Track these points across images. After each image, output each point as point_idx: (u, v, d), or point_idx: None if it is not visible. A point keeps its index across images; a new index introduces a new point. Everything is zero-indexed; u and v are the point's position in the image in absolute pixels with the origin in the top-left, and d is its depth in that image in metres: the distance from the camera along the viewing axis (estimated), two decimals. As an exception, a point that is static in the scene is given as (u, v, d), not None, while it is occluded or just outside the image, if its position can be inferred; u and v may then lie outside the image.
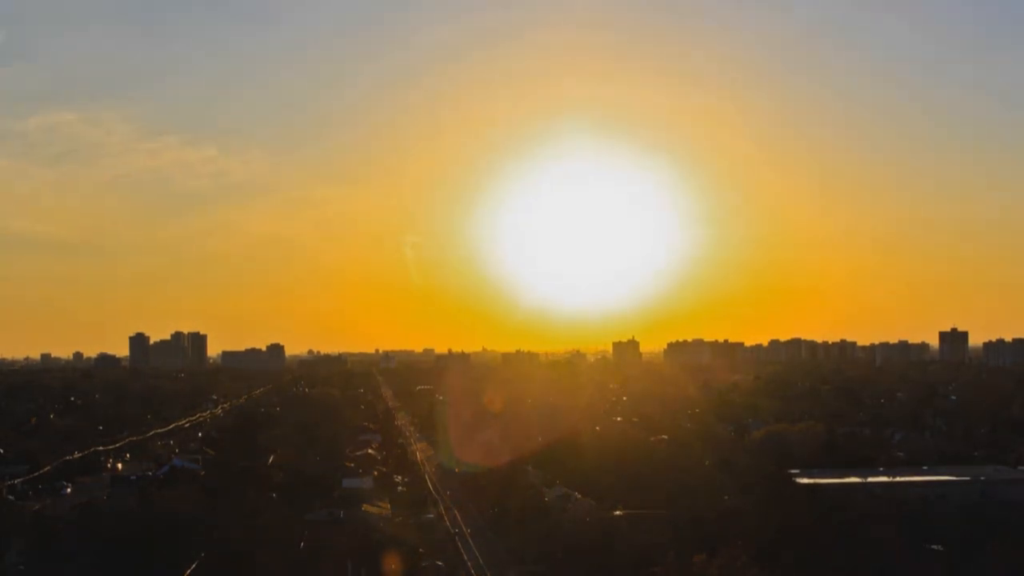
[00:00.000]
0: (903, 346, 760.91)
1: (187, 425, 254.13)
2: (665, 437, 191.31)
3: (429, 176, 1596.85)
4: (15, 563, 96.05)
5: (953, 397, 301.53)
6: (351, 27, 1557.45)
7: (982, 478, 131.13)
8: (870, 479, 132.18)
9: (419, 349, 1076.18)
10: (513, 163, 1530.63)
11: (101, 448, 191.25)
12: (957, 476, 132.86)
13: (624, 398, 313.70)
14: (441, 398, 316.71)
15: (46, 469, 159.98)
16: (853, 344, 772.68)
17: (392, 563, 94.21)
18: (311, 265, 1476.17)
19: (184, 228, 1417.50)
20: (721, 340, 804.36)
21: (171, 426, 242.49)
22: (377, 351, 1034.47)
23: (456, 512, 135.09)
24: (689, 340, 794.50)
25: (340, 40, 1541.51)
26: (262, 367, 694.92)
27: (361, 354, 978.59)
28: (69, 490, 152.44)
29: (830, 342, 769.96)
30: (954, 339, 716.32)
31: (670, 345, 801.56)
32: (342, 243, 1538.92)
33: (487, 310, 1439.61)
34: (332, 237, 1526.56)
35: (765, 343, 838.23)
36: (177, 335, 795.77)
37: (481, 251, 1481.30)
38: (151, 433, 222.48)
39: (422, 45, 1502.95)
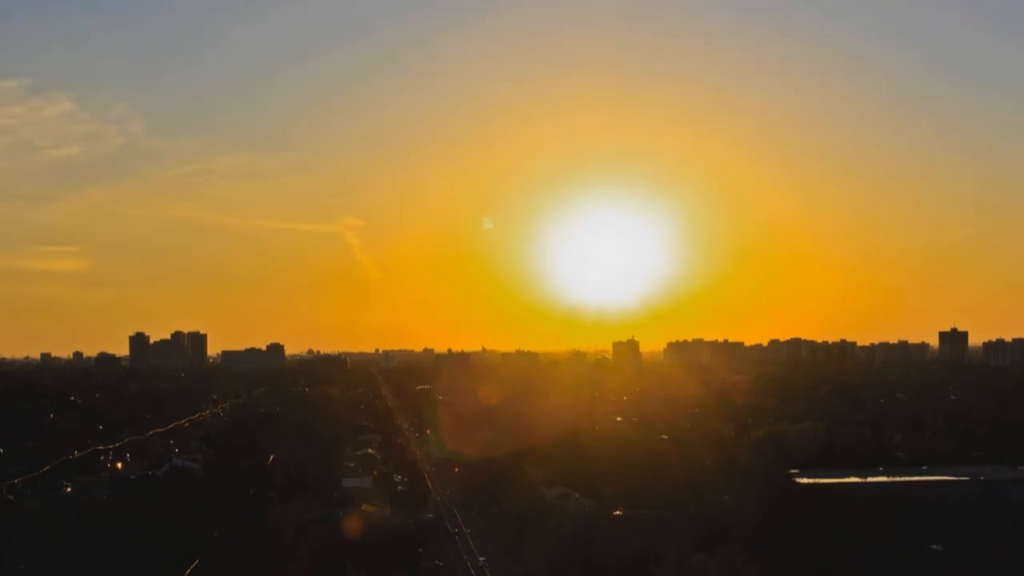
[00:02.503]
0: (903, 346, 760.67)
1: (187, 425, 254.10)
2: (665, 437, 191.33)
3: (427, 176, 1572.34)
4: (15, 562, 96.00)
5: (953, 397, 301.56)
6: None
7: (982, 478, 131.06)
8: (870, 479, 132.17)
9: (419, 349, 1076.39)
10: (513, 160, 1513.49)
11: (101, 448, 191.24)
12: (957, 476, 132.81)
13: (624, 398, 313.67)
14: (441, 398, 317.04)
15: (46, 469, 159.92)
16: (853, 344, 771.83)
17: (391, 563, 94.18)
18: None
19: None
20: (721, 340, 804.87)
21: (171, 426, 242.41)
22: (377, 351, 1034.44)
23: (456, 512, 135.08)
24: (689, 340, 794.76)
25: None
26: (262, 367, 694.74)
27: (361, 354, 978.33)
28: (69, 490, 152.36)
29: (830, 342, 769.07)
30: (954, 339, 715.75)
31: (670, 345, 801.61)
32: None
33: (487, 310, 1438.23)
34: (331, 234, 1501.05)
35: (765, 343, 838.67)
36: (177, 335, 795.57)
37: (481, 250, 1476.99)
38: (151, 433, 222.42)
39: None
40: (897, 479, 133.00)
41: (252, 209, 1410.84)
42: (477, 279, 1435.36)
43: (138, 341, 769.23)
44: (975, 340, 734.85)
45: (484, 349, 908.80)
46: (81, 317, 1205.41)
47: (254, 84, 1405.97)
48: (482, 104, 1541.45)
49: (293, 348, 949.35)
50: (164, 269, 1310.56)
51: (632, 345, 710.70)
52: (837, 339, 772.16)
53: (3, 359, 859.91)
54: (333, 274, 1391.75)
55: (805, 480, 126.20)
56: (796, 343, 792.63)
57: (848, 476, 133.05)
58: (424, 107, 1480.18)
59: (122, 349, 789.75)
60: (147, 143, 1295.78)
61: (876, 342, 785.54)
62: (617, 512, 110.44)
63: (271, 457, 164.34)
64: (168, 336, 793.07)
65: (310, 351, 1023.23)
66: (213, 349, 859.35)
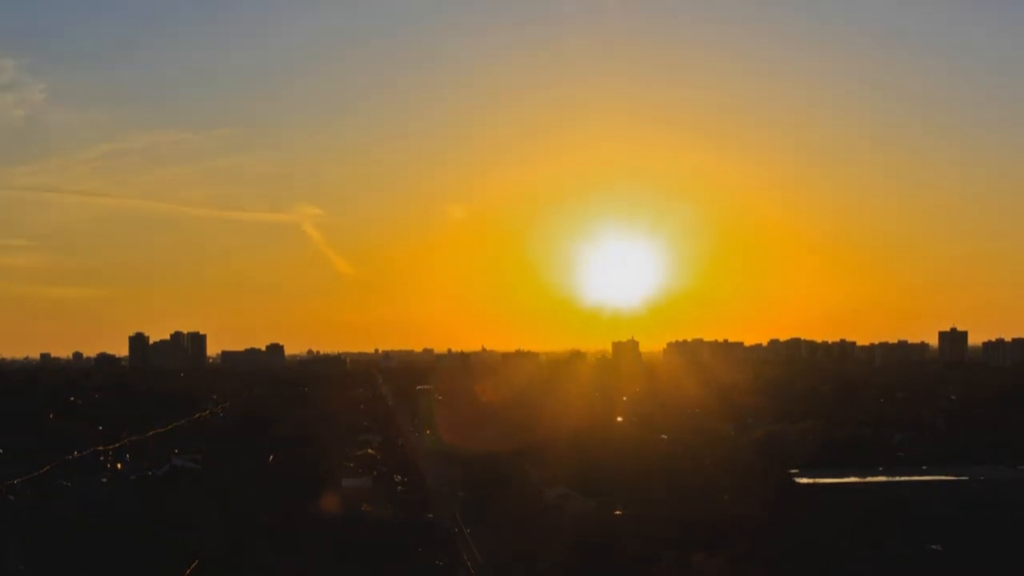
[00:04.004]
0: (903, 346, 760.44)
1: (187, 425, 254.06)
2: (665, 437, 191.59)
3: (394, 161, 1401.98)
4: (15, 562, 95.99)
5: (953, 397, 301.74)
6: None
7: (982, 478, 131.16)
8: (870, 479, 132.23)
9: (419, 349, 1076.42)
10: (510, 160, 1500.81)
11: (101, 448, 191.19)
12: (957, 476, 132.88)
13: (624, 398, 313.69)
14: (441, 398, 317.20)
15: (46, 469, 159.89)
16: (853, 344, 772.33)
17: (391, 563, 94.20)
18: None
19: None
20: (721, 340, 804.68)
21: (171, 426, 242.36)
22: (377, 351, 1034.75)
23: (456, 512, 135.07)
24: (689, 340, 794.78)
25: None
26: (262, 367, 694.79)
27: (361, 354, 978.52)
28: (69, 490, 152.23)
29: (830, 342, 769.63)
30: (954, 339, 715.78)
31: (670, 345, 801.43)
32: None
33: (487, 310, 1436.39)
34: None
35: (765, 343, 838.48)
36: (177, 335, 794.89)
37: (479, 249, 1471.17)
38: (151, 433, 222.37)
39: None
40: (897, 479, 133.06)
41: (187, 195, 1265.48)
42: (462, 275, 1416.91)
43: (138, 341, 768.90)
44: (975, 340, 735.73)
45: (484, 349, 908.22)
46: (81, 317, 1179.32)
47: (172, 45, 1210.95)
48: (454, 80, 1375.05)
49: (293, 348, 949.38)
50: (154, 268, 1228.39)
51: (632, 345, 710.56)
52: (837, 339, 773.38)
53: (3, 359, 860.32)
54: (296, 270, 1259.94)
55: (805, 480, 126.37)
56: (796, 343, 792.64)
57: (848, 476, 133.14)
58: (386, 77, 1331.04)
59: (122, 349, 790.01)
60: (52, 116, 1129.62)
61: (876, 342, 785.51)
62: (617, 512, 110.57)
63: (271, 457, 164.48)
64: (168, 336, 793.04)
65: (310, 351, 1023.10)
66: (213, 349, 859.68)
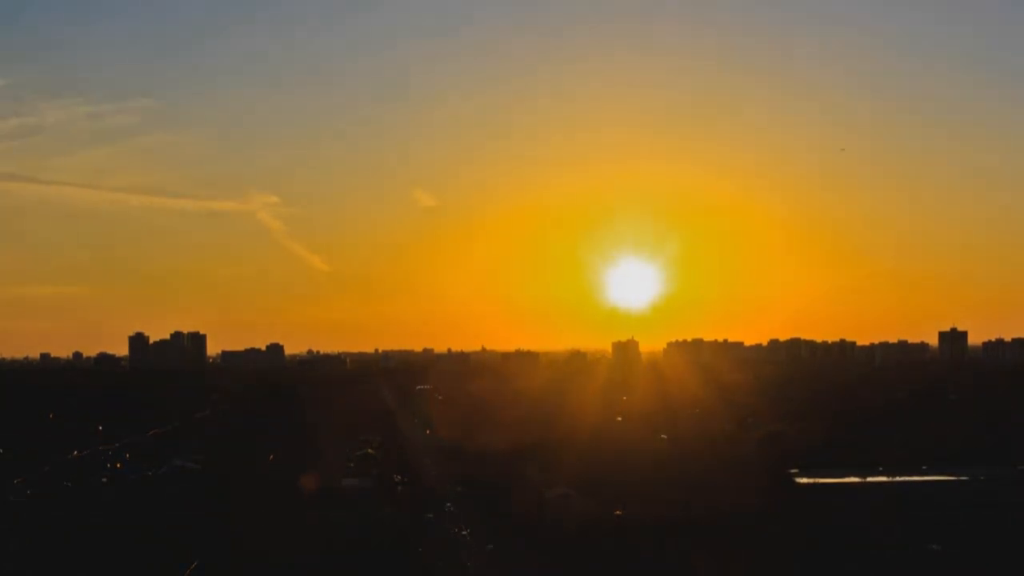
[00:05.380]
0: (903, 346, 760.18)
1: (187, 425, 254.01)
2: (665, 437, 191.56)
3: (356, 145, 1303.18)
4: (15, 562, 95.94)
5: (953, 397, 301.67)
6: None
7: (982, 478, 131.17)
8: (870, 479, 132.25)
9: (419, 349, 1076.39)
10: (510, 157, 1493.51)
11: (101, 448, 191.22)
12: (957, 476, 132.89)
13: (624, 398, 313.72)
14: (441, 398, 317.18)
15: (46, 469, 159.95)
16: (853, 344, 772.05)
17: (391, 563, 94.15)
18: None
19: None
20: (721, 340, 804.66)
21: (171, 426, 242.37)
22: (377, 351, 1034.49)
23: (457, 512, 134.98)
24: (689, 340, 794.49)
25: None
26: (262, 367, 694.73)
27: (361, 354, 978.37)
28: (69, 490, 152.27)
29: (830, 342, 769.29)
30: (954, 339, 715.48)
31: (670, 345, 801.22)
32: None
33: (487, 309, 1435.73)
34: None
35: (765, 343, 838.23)
36: (177, 335, 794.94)
37: (479, 249, 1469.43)
38: (151, 433, 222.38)
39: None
40: (897, 479, 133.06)
41: (109, 180, 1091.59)
42: (476, 277, 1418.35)
43: (138, 341, 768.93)
44: (975, 340, 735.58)
45: (484, 349, 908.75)
46: (81, 317, 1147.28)
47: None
48: (425, 59, 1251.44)
49: (293, 348, 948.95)
50: (156, 268, 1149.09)
51: (632, 345, 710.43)
52: (837, 339, 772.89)
53: (3, 359, 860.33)
54: (255, 266, 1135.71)
55: (805, 480, 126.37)
56: (796, 343, 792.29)
57: (848, 476, 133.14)
58: (345, 48, 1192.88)
59: (122, 349, 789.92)
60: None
61: (876, 342, 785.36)
62: (617, 512, 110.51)
63: (271, 457, 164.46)
64: (168, 336, 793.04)
65: (310, 351, 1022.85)
66: (213, 349, 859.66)
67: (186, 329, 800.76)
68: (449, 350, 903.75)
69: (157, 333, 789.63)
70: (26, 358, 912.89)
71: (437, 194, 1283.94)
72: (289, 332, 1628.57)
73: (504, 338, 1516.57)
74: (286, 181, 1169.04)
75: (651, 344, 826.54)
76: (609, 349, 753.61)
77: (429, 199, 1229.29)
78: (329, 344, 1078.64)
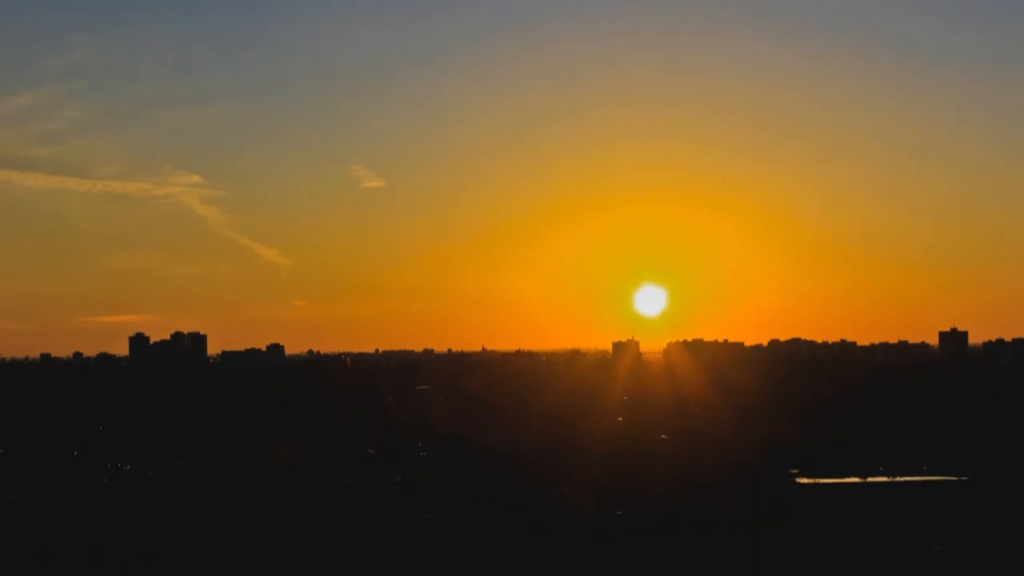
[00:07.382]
0: (903, 346, 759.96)
1: (188, 425, 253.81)
2: (665, 437, 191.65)
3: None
4: (16, 563, 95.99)
5: (953, 397, 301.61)
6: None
7: (982, 478, 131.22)
8: (870, 479, 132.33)
9: (419, 349, 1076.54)
10: (510, 156, 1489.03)
11: (101, 448, 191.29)
12: (957, 476, 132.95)
13: (624, 398, 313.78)
14: (441, 399, 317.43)
15: (46, 469, 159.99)
16: (853, 344, 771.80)
17: (392, 563, 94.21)
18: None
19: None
20: (721, 340, 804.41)
21: (171, 426, 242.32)
22: (377, 351, 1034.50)
23: (457, 512, 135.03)
24: (689, 340, 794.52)
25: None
26: (262, 367, 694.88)
27: (361, 354, 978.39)
28: (70, 490, 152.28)
29: (830, 342, 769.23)
30: (954, 339, 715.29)
31: (670, 345, 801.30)
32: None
33: (487, 309, 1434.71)
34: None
35: (765, 343, 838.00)
36: (177, 335, 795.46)
37: (477, 249, 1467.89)
38: (151, 433, 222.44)
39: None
40: (897, 479, 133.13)
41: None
42: (477, 277, 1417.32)
43: (138, 341, 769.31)
44: (975, 340, 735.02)
45: (484, 349, 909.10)
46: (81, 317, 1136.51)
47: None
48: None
49: (293, 348, 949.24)
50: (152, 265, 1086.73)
51: (632, 345, 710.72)
52: (837, 339, 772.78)
53: (3, 359, 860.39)
54: (189, 256, 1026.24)
55: (805, 480, 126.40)
56: (796, 343, 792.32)
57: (848, 476, 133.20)
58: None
59: (122, 349, 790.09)
60: None
61: (876, 342, 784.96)
62: (617, 512, 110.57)
63: (271, 457, 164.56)
64: (168, 336, 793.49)
65: (310, 351, 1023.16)
66: (213, 349, 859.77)
67: (186, 329, 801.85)
68: (449, 350, 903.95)
69: (157, 333, 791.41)
70: (26, 358, 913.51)
71: (438, 194, 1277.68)
72: (289, 332, 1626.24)
73: (504, 338, 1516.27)
74: (211, 159, 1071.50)
75: (651, 344, 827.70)
76: (609, 349, 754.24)
77: (429, 199, 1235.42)
78: (329, 344, 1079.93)
